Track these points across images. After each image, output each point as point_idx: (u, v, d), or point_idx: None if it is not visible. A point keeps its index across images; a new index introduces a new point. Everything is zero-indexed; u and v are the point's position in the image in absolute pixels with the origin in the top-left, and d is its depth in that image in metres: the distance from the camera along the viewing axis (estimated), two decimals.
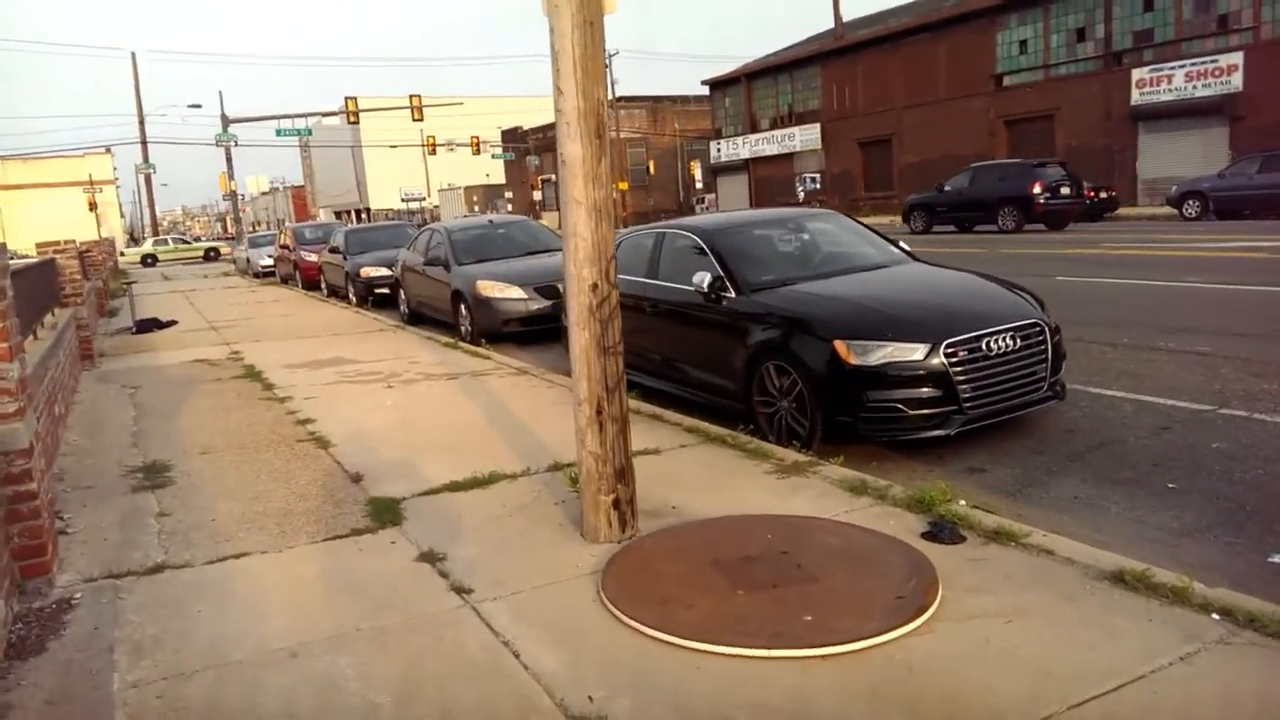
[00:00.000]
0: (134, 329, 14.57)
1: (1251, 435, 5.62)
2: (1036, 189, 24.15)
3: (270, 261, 26.89)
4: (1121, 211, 30.15)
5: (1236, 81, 29.05)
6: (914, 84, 38.85)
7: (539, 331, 11.27)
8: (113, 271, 29.25)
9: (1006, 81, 36.30)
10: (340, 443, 6.51)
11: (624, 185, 54.98)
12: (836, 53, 42.25)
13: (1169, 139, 31.62)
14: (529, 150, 62.90)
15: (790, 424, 5.97)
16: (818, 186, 43.24)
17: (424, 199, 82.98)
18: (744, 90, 47.36)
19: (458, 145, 56.28)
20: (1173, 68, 30.81)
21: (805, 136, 43.50)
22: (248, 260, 30.79)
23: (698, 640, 3.26)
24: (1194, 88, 30.34)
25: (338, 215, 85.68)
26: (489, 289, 11.13)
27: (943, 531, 4.22)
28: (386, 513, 4.87)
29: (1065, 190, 24.65)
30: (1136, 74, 31.84)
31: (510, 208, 65.50)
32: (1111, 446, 5.67)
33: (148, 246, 53.36)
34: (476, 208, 73.59)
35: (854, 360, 5.53)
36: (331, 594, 3.92)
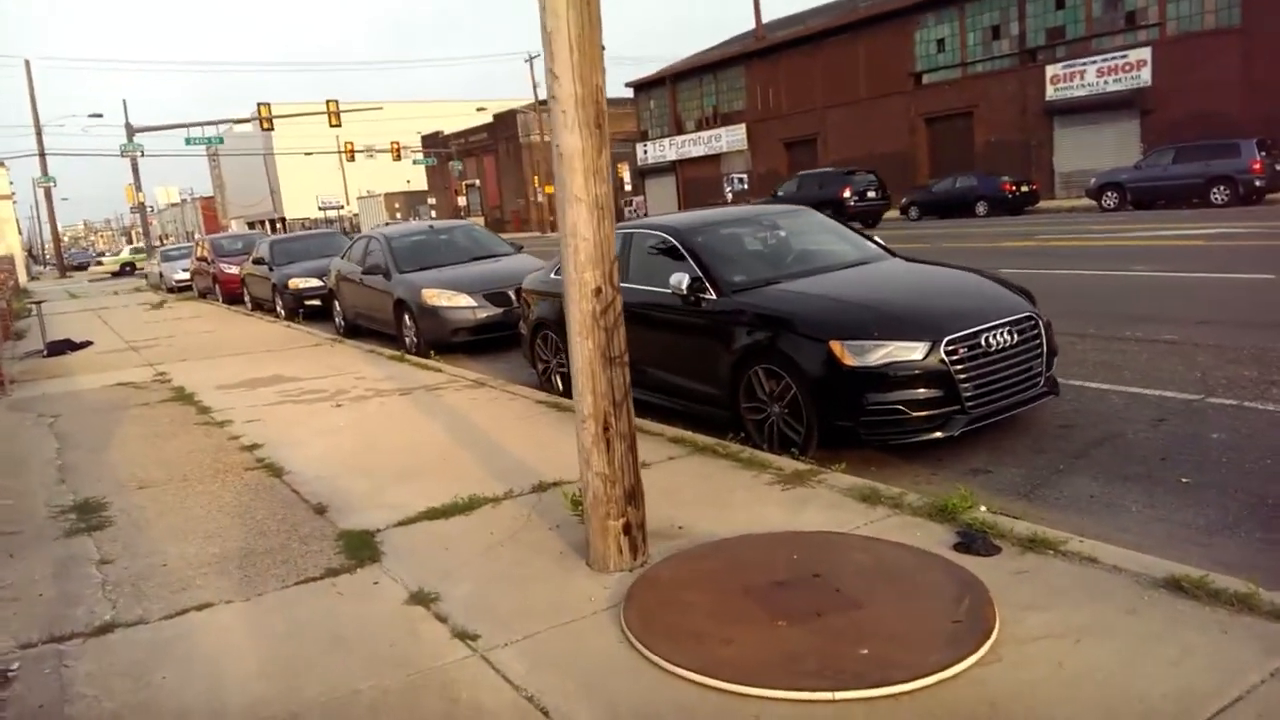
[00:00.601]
0: (45, 352, 13.56)
1: (1249, 424, 5.54)
2: (846, 193, 29.50)
3: (186, 275, 25.63)
4: (1042, 204, 30.97)
5: (1145, 76, 30.09)
6: (836, 84, 39.31)
7: (489, 341, 10.80)
8: (15, 291, 27.53)
9: (925, 80, 37.01)
10: (295, 470, 5.97)
11: (550, 189, 54.45)
12: (759, 54, 42.51)
13: (1083, 133, 32.60)
14: (451, 155, 61.80)
15: (783, 430, 5.67)
16: (745, 187, 43.44)
17: (342, 207, 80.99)
18: (669, 92, 47.32)
19: (377, 151, 55.05)
20: (1085, 64, 31.77)
21: (731, 137, 43.66)
22: (160, 275, 29.34)
23: (747, 684, 2.92)
24: (1105, 83, 31.34)
25: (250, 226, 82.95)
26: (435, 297, 10.59)
27: (975, 542, 3.96)
28: (362, 548, 4.40)
29: (872, 194, 30.14)
30: (1050, 70, 32.75)
31: (434, 214, 64.26)
32: (1113, 441, 5.52)
33: (125, 254, 57.08)
34: (398, 215, 72.03)
35: (852, 361, 5.26)
36: (316, 649, 3.45)
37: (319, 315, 15.54)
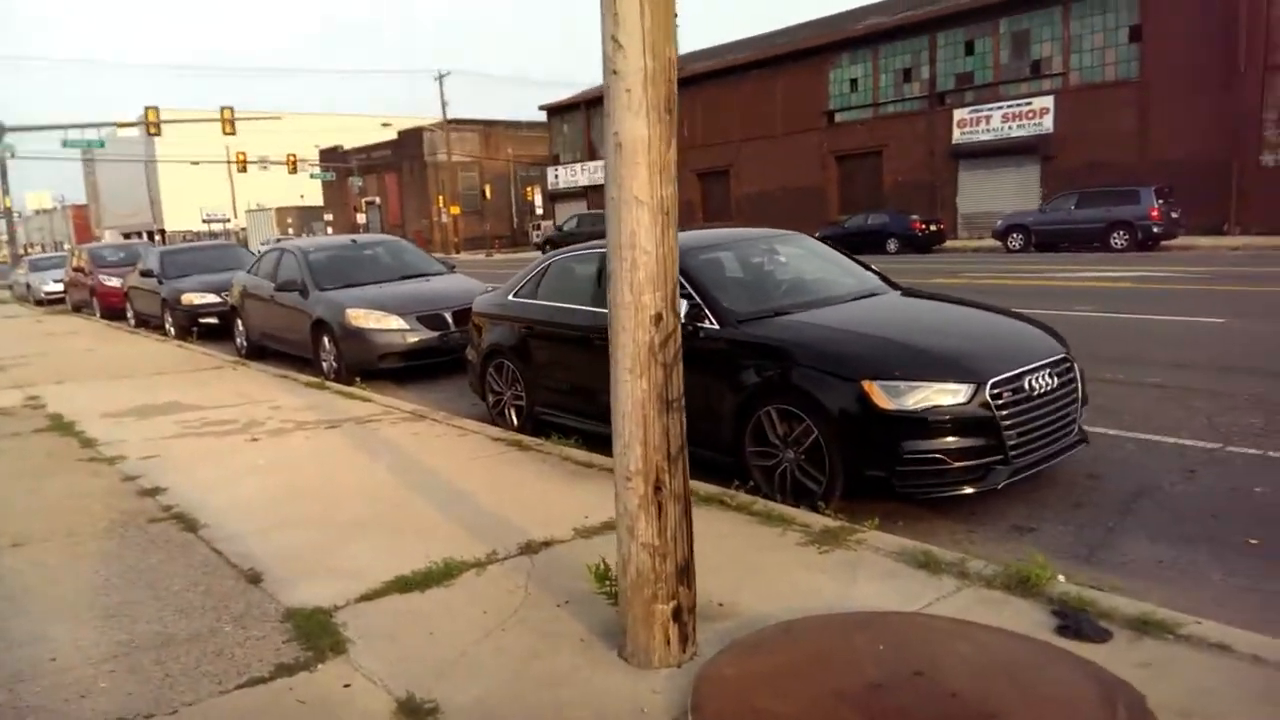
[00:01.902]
0: None
1: None
2: None
3: (58, 287, 23.41)
4: (948, 244, 31.67)
5: (1048, 124, 31.23)
6: (751, 118, 39.54)
7: (420, 368, 9.81)
8: None
9: (838, 118, 37.60)
10: (213, 521, 4.93)
11: (456, 209, 53.11)
12: (677, 84, 42.40)
13: (986, 176, 33.61)
14: (352, 171, 59.62)
15: (798, 479, 4.98)
16: None
17: (229, 220, 77.23)
18: (583, 117, 46.82)
19: (272, 163, 52.51)
20: (991, 109, 32.81)
21: None
22: (28, 286, 26.81)
23: None
24: (1010, 128, 32.40)
25: (126, 237, 78.13)
26: (361, 319, 9.54)
27: (1080, 624, 3.33)
28: (320, 633, 3.46)
29: None
30: (958, 114, 33.69)
31: (330, 231, 61.81)
32: (1151, 495, 5.04)
33: None
34: (290, 230, 69.06)
35: (888, 404, 4.62)
36: None
37: (216, 334, 14.14)
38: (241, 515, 5.02)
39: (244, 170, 47.92)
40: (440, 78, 51.49)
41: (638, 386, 3.04)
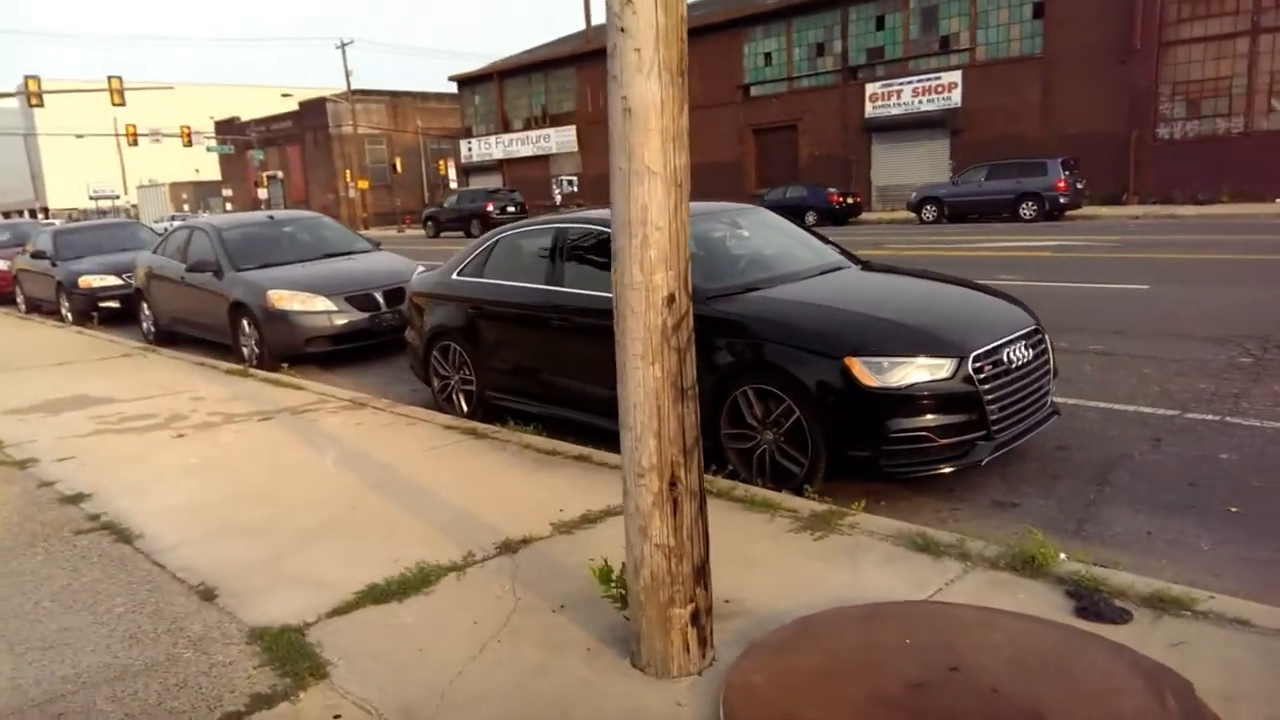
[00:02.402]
0: None
1: (1247, 442, 5.25)
2: (490, 207, 36.16)
3: None
4: (864, 216, 32.15)
5: (956, 98, 31.88)
6: None
7: (348, 352, 9.31)
8: None
9: (754, 92, 37.66)
10: (149, 530, 4.48)
11: (364, 184, 51.43)
12: (591, 55, 41.80)
13: (899, 149, 34.19)
14: (251, 144, 57.05)
15: (778, 461, 4.81)
16: (575, 189, 42.67)
17: (118, 197, 73.33)
18: (495, 88, 45.78)
19: (165, 136, 49.89)
20: (902, 83, 33.31)
21: (561, 138, 42.74)
22: None
23: None
24: (920, 102, 32.97)
25: (5, 216, 73.37)
26: (285, 300, 8.97)
27: (1099, 605, 3.25)
28: (295, 655, 3.12)
29: (512, 208, 36.26)
30: (870, 88, 34.12)
31: (230, 206, 59.20)
32: (1124, 464, 5.06)
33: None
34: (185, 207, 65.94)
35: (872, 381, 4.48)
36: None
37: (117, 319, 13.23)
38: (180, 522, 4.58)
39: (134, 144, 45.31)
40: (343, 46, 49.55)
41: (650, 374, 2.79)
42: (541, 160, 44.00)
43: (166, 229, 13.60)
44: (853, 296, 5.24)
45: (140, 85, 37.12)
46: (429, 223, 39.30)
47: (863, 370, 4.49)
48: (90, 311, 13.30)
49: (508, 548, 4.04)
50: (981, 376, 4.58)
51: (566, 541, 4.11)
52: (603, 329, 5.68)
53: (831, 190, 30.81)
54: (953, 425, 4.53)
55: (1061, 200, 25.04)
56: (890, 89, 33.70)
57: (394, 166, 53.87)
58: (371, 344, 9.25)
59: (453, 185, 46.80)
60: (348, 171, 52.22)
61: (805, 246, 6.23)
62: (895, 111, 33.67)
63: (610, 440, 5.74)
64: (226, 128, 60.50)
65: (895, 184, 33.95)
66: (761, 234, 6.25)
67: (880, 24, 33.94)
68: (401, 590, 3.62)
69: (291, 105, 57.55)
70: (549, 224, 6.38)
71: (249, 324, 9.31)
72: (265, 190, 57.06)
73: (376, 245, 11.10)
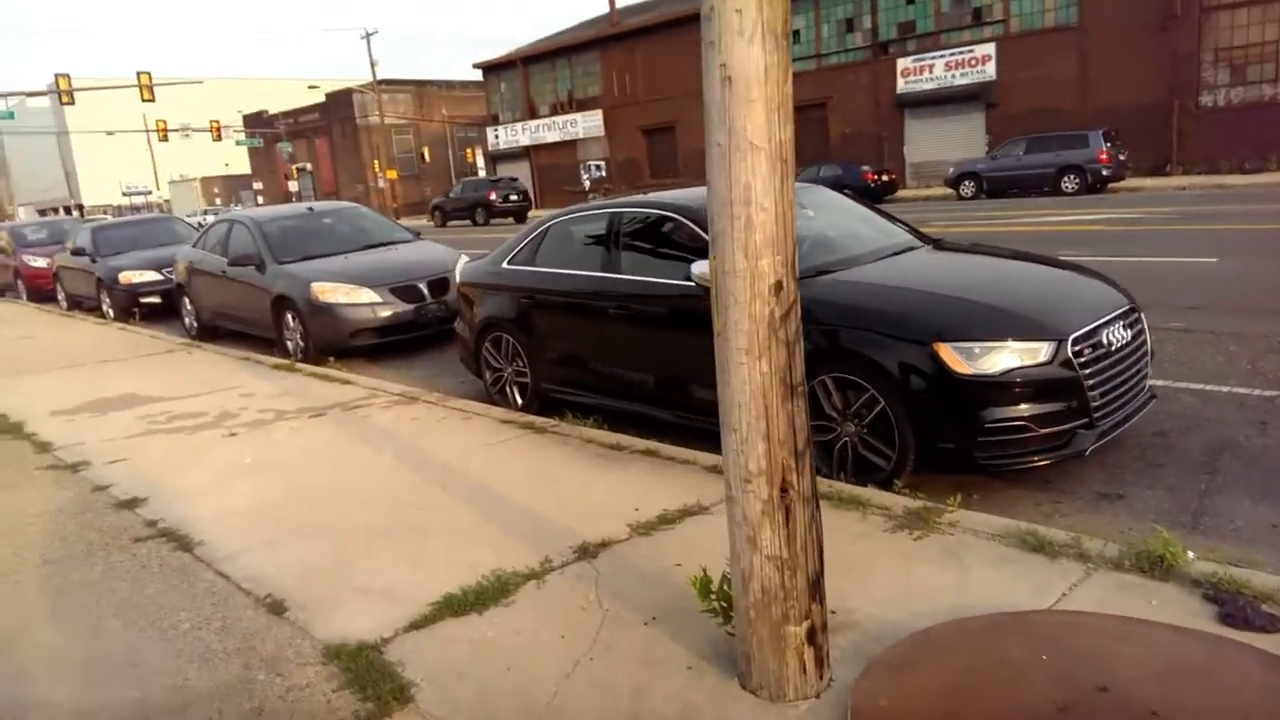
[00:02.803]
0: None
1: None
2: (493, 195, 37.04)
3: None
4: (900, 194, 31.56)
5: (990, 71, 31.12)
6: (695, 72, 37.09)
7: (393, 344, 9.15)
8: None
9: None
10: (210, 538, 4.31)
11: (393, 174, 51.42)
12: (614, 39, 41.37)
13: (932, 125, 33.48)
14: (279, 136, 57.26)
15: (861, 454, 4.56)
16: (603, 174, 42.34)
17: (150, 192, 74.06)
18: (520, 75, 45.45)
19: (194, 131, 50.22)
20: (933, 58, 32.58)
21: (588, 123, 42.39)
22: None
23: None
24: (953, 76, 32.24)
25: (41, 213, 74.38)
26: (329, 293, 8.81)
27: (1245, 612, 2.97)
28: (375, 677, 2.92)
29: (514, 196, 37.33)
30: (901, 64, 33.41)
31: (261, 200, 59.54)
32: (1231, 450, 4.74)
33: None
34: (218, 200, 66.47)
35: (965, 368, 4.20)
36: None
37: (159, 315, 13.20)
38: (241, 527, 4.41)
39: (165, 139, 45.56)
40: (368, 36, 49.50)
41: (756, 370, 2.54)
42: (569, 146, 43.70)
43: (201, 223, 13.51)
44: (934, 278, 4.95)
45: (169, 81, 37.24)
46: (436, 212, 40.03)
47: (953, 356, 4.22)
48: (131, 307, 13.28)
49: (586, 552, 3.82)
50: (1081, 360, 4.28)
51: (647, 544, 3.88)
52: (669, 320, 5.49)
53: (866, 168, 30.29)
54: (1052, 413, 4.24)
55: (1104, 173, 24.37)
56: (922, 63, 32.97)
57: (422, 156, 53.82)
58: (417, 335, 9.07)
59: (481, 173, 46.62)
60: (376, 162, 52.28)
61: (873, 226, 5.94)
62: (928, 87, 32.96)
63: (673, 432, 5.54)
64: (255, 121, 60.75)
65: (930, 160, 33.28)
66: (827, 214, 5.96)
67: None
68: (480, 601, 3.41)
69: (318, 97, 57.70)
70: (603, 209, 6.14)
71: (293, 317, 9.17)
72: (295, 183, 57.27)
73: (417, 235, 10.92)
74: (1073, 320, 4.39)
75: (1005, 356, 4.21)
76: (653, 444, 5.26)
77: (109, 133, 54.77)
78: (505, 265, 6.68)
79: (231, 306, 10.40)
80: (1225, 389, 5.68)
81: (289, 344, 9.35)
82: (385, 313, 8.88)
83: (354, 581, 3.70)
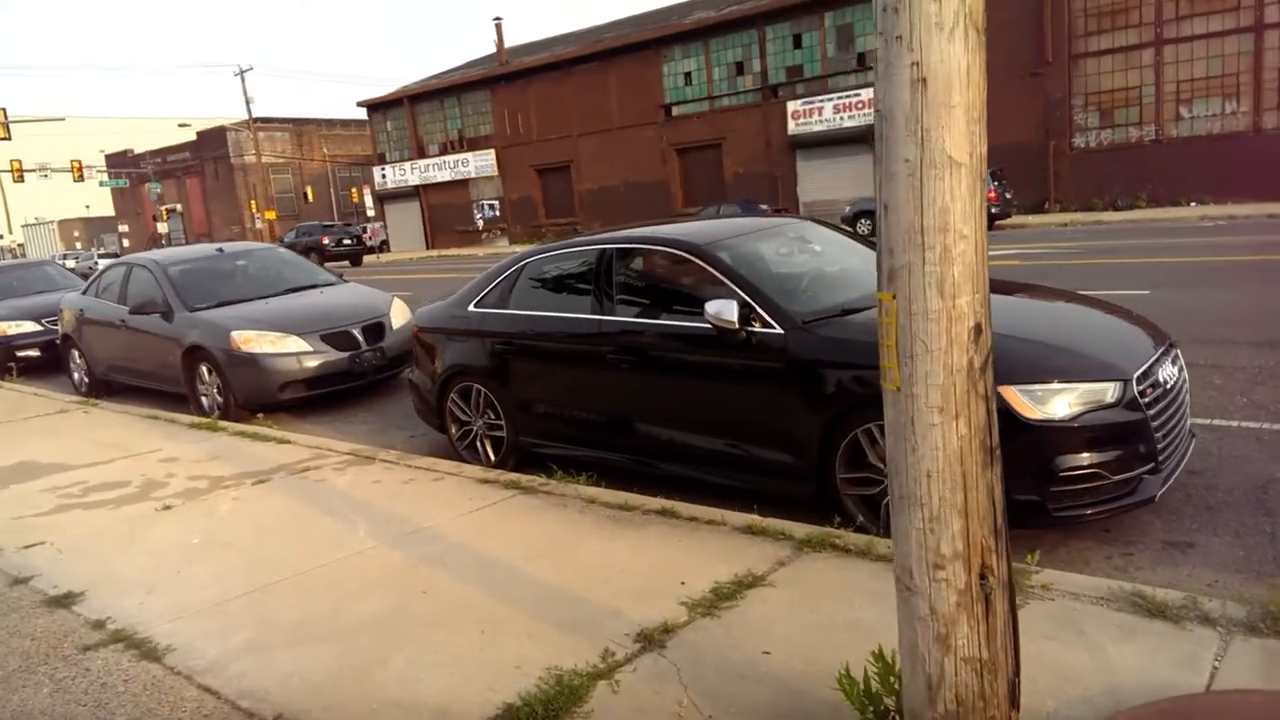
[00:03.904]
0: None
1: None
2: (326, 240, 38.13)
3: None
4: None
5: None
6: (588, 112, 38.71)
7: (323, 397, 8.35)
8: None
9: (675, 111, 37.42)
10: (180, 642, 3.56)
11: (271, 214, 49.30)
12: (505, 78, 41.00)
13: (824, 165, 34.39)
14: (147, 176, 54.13)
15: None
16: (497, 214, 41.71)
17: (1, 236, 68.76)
18: (408, 113, 44.44)
19: (54, 171, 46.87)
20: (822, 100, 33.56)
21: (480, 162, 41.73)
22: None
23: None
24: (841, 119, 33.27)
25: None
26: (253, 342, 7.95)
27: None
28: None
29: (347, 241, 38.83)
30: (791, 106, 34.28)
31: (126, 243, 56.00)
32: (1276, 488, 4.61)
33: None
34: (77, 244, 62.19)
35: (1034, 413, 3.91)
36: None
37: (38, 369, 11.85)
38: (214, 627, 3.67)
39: (20, 180, 42.28)
40: (241, 73, 47.55)
41: (953, 432, 2.12)
42: (461, 185, 42.87)
43: (91, 267, 12.25)
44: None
45: (27, 119, 34.62)
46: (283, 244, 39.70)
47: (1020, 400, 3.92)
48: (7, 362, 11.85)
49: (650, 641, 3.29)
50: (1146, 400, 4.06)
51: (717, 628, 3.38)
52: (676, 364, 5.04)
53: (764, 207, 30.73)
54: (1123, 458, 3.99)
55: (993, 210, 25.40)
56: (811, 106, 33.92)
57: (305, 196, 51.85)
58: (352, 386, 8.30)
59: (370, 213, 45.19)
60: (253, 202, 50.01)
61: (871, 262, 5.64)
62: (818, 128, 33.89)
63: (681, 488, 5.07)
64: (119, 160, 57.37)
65: (822, 199, 34.07)
66: (833, 250, 5.65)
67: (797, 42, 34.16)
68: (551, 713, 2.84)
69: (189, 135, 55.00)
70: (588, 245, 5.66)
71: (209, 370, 8.25)
72: (165, 224, 54.15)
73: (340, 277, 10.11)
74: (1131, 359, 4.19)
75: (1074, 399, 3.95)
76: (666, 502, 4.77)
77: None
78: (472, 308, 6.10)
79: (132, 359, 9.33)
80: (1233, 424, 5.63)
81: (204, 400, 8.41)
82: (316, 362, 8.08)
83: (384, 694, 3.05)
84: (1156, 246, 16.13)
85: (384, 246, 44.92)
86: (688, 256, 5.03)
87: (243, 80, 48.89)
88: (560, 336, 5.53)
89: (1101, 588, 3.45)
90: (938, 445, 2.14)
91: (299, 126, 54.76)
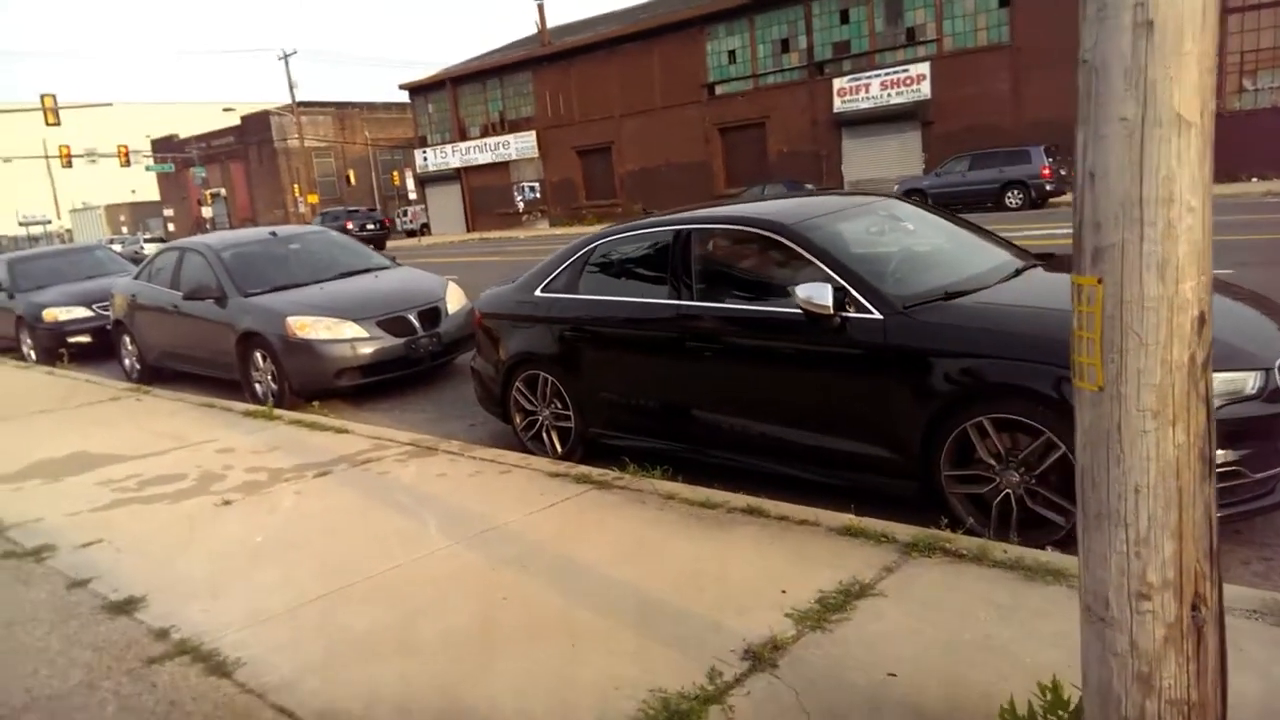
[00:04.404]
0: None
1: None
2: (350, 225, 37.58)
3: None
4: None
5: (925, 90, 31.45)
6: (630, 92, 38.29)
7: (377, 384, 8.15)
8: None
9: (718, 90, 36.86)
10: (251, 654, 3.33)
11: (314, 197, 49.53)
12: (548, 59, 40.68)
13: (869, 143, 33.68)
14: (192, 161, 54.70)
15: (1030, 509, 3.86)
16: (538, 195, 41.51)
17: (50, 221, 70.08)
18: (449, 96, 44.32)
19: (101, 156, 47.47)
20: (869, 77, 32.80)
21: (521, 144, 41.51)
22: None
23: None
24: (889, 95, 32.50)
25: None
26: (308, 328, 7.77)
27: None
28: None
29: (370, 225, 39.39)
30: (837, 83, 33.55)
31: (172, 227, 56.72)
32: None
33: None
34: (124, 229, 63.17)
35: None
36: None
37: (90, 355, 11.83)
38: (286, 637, 3.45)
39: (69, 165, 42.88)
40: (285, 57, 47.69)
41: (1169, 440, 1.79)
42: (501, 167, 42.72)
43: (138, 252, 12.20)
44: None
45: (76, 104, 35.03)
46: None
47: None
48: (58, 348, 11.84)
49: (758, 659, 3.00)
50: None
51: (830, 643, 3.08)
52: (762, 351, 4.73)
53: (810, 186, 30.20)
54: (1263, 454, 3.62)
55: (1047, 187, 24.72)
56: (858, 83, 33.16)
57: (347, 179, 52.06)
58: (408, 373, 8.10)
59: (411, 195, 45.25)
60: (296, 186, 50.32)
61: (975, 242, 5.27)
62: (864, 105, 33.15)
63: (761, 484, 4.77)
64: (165, 145, 58.05)
65: (868, 177, 33.40)
66: (925, 229, 5.29)
67: (844, 18, 33.39)
68: None
69: (233, 120, 55.46)
70: (664, 225, 5.33)
71: (263, 357, 8.09)
72: (209, 209, 54.72)
73: (394, 260, 9.91)
74: (1273, 346, 3.79)
75: (1217, 388, 3.57)
76: (752, 500, 4.47)
77: (6, 159, 51.44)
78: (539, 293, 5.83)
79: (184, 345, 9.22)
80: None
81: (258, 387, 8.25)
82: (372, 348, 7.88)
83: (476, 717, 2.79)
84: (1229, 223, 15.42)
85: (425, 229, 45.01)
86: (774, 236, 4.70)
87: (286, 64, 49.19)
88: (634, 322, 5.24)
89: (1254, 599, 3.10)
90: (1149, 455, 1.81)
91: (341, 110, 54.95)
